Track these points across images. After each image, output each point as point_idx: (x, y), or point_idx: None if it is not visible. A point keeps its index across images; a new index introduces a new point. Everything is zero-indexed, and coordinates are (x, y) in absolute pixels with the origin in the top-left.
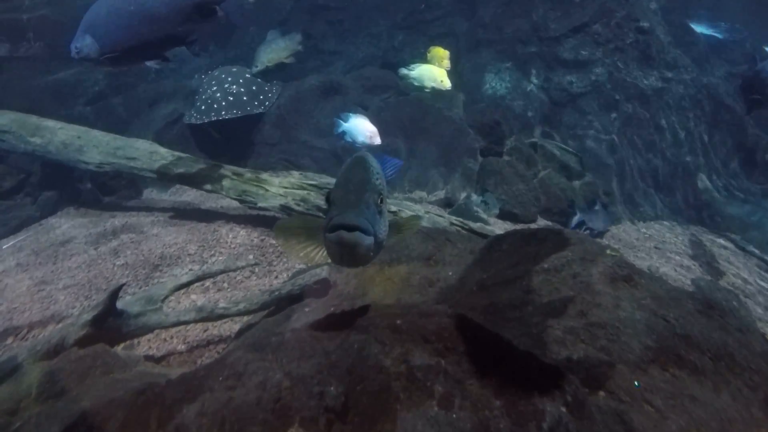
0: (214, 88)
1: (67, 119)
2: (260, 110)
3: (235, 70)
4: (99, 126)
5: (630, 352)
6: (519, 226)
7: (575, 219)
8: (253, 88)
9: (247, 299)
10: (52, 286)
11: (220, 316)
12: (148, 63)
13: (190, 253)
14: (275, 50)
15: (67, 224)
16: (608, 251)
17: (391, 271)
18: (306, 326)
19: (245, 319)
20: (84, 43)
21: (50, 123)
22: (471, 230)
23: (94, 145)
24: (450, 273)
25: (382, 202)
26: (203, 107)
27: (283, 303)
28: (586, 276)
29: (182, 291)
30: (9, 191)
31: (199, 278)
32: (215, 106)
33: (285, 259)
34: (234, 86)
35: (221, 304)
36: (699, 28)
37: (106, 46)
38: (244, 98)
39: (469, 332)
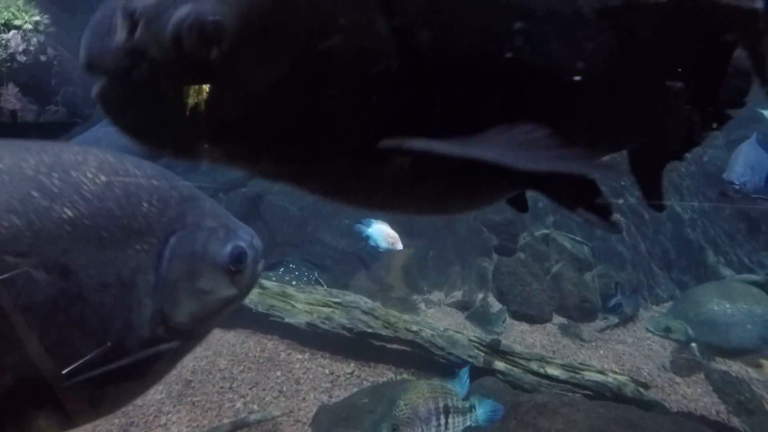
0: None
1: None
2: None
3: None
4: None
5: None
6: (534, 327)
7: (614, 300)
8: None
9: None
10: None
11: None
12: None
13: (221, 368)
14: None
15: None
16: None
17: None
18: None
19: None
20: None
21: None
22: (488, 347)
23: None
24: None
25: None
26: None
27: None
28: None
29: None
30: None
31: (237, 427)
32: None
33: (311, 375)
34: None
35: None
36: None
37: None
38: None
39: None
